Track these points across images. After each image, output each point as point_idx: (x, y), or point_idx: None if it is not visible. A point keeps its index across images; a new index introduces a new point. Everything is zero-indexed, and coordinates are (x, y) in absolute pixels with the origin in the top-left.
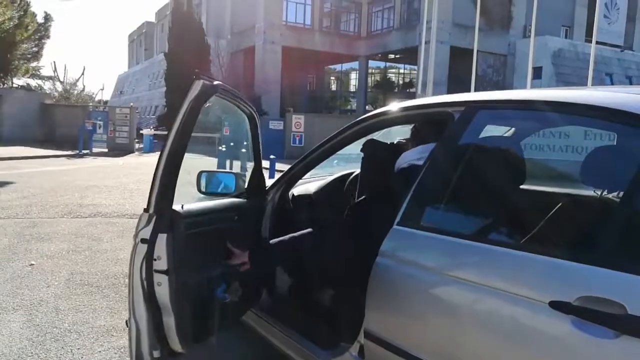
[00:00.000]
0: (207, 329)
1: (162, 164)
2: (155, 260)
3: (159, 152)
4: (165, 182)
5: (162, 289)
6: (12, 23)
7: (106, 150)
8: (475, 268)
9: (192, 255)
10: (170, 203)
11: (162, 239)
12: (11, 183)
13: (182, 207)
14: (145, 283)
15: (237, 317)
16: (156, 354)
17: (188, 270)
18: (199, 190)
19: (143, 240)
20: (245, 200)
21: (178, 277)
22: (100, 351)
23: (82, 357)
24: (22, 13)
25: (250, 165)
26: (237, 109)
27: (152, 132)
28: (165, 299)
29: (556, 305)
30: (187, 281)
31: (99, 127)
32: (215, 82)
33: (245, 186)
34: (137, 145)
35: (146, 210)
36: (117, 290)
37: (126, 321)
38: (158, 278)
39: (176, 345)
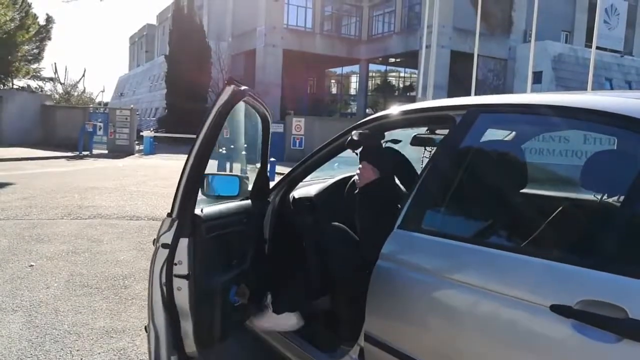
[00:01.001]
0: (221, 333)
1: (188, 168)
2: (175, 265)
3: (159, 155)
4: (190, 186)
5: (182, 294)
6: (13, 24)
7: (106, 151)
8: (476, 271)
9: (210, 259)
10: (192, 207)
11: (183, 243)
12: (11, 184)
13: (201, 210)
14: (164, 288)
15: (244, 320)
16: (173, 359)
17: (206, 274)
18: (203, 193)
19: (164, 245)
20: (250, 202)
21: (197, 282)
22: (99, 353)
23: (81, 359)
24: (24, 14)
25: (250, 168)
26: (256, 112)
27: (152, 134)
28: (184, 304)
29: (557, 309)
30: (204, 285)
31: (99, 129)
32: (243, 87)
33: (249, 188)
34: (137, 147)
35: (169, 214)
36: (116, 292)
37: (145, 327)
38: (178, 283)
39: (192, 350)
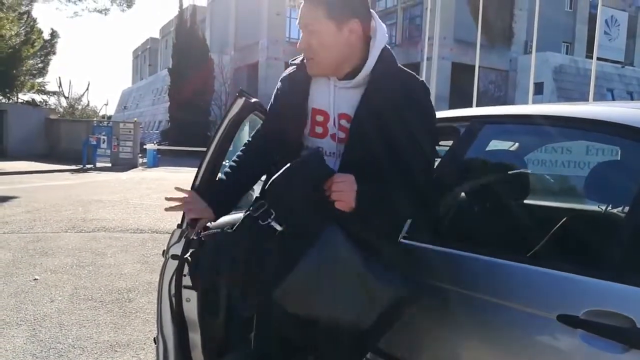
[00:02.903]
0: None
1: (199, 179)
2: (184, 276)
3: (163, 167)
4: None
5: (191, 305)
6: (18, 39)
7: (110, 164)
8: (481, 282)
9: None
10: None
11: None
12: (15, 197)
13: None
14: (173, 299)
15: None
16: None
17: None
18: None
19: (174, 257)
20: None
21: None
22: None
23: None
24: (29, 29)
25: None
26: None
27: (156, 146)
28: (193, 315)
29: (564, 319)
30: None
31: (103, 142)
32: (254, 100)
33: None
34: (140, 160)
35: (179, 226)
36: (120, 305)
37: (154, 338)
38: (187, 294)
39: None
